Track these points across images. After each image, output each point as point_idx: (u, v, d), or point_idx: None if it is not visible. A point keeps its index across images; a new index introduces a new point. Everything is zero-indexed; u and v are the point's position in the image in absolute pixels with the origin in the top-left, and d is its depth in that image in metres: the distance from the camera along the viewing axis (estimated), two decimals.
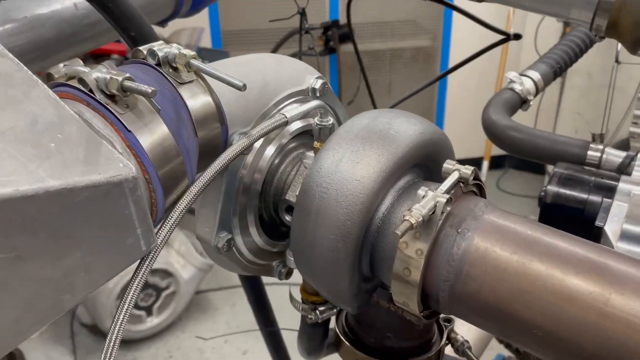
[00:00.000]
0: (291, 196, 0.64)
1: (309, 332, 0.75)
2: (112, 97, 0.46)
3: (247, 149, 0.56)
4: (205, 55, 3.24)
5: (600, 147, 1.06)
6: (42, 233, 0.38)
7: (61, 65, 0.47)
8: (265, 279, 0.94)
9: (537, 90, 1.31)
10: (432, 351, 0.68)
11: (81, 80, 0.46)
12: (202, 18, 3.63)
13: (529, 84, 1.29)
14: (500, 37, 1.26)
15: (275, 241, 0.70)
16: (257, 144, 0.62)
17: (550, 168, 1.27)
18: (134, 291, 0.45)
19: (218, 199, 0.61)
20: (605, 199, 0.90)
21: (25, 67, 0.42)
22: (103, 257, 0.43)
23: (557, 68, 1.34)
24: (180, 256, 2.94)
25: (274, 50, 3.29)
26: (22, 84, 0.41)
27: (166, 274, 2.88)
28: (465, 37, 3.78)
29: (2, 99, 0.40)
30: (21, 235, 0.37)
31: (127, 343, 2.92)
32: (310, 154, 0.64)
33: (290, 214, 0.65)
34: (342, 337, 0.69)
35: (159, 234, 0.47)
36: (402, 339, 0.65)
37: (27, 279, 0.39)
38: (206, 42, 3.75)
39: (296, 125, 0.66)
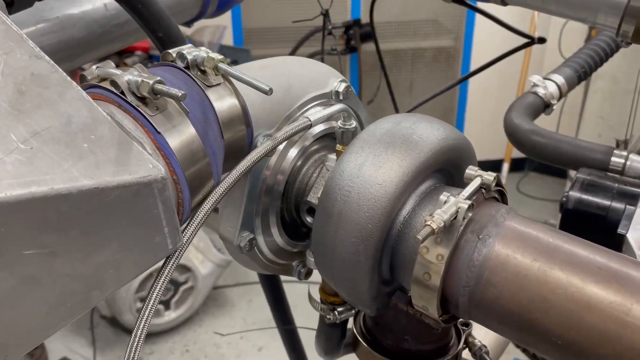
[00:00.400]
0: (313, 198, 0.65)
1: (326, 332, 0.76)
2: (142, 99, 0.47)
3: (271, 151, 0.57)
4: (227, 52, 3.27)
5: (624, 153, 1.05)
6: (74, 231, 0.40)
7: (94, 67, 0.49)
8: (283, 277, 0.95)
9: (561, 95, 1.29)
10: (449, 355, 0.68)
11: (113, 83, 0.47)
12: (224, 16, 3.64)
13: (552, 88, 1.28)
14: (524, 40, 1.25)
15: (295, 241, 0.70)
16: (281, 146, 0.63)
17: (572, 172, 1.25)
18: (160, 288, 0.46)
19: (242, 200, 0.62)
20: (628, 206, 0.90)
21: (60, 69, 0.43)
22: (131, 255, 0.44)
23: (582, 72, 1.33)
24: (199, 252, 2.97)
25: (295, 49, 3.30)
26: (57, 86, 0.43)
27: (185, 269, 2.92)
28: (487, 38, 3.75)
29: (38, 99, 0.41)
30: (55, 232, 0.39)
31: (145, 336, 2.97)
32: (333, 156, 0.65)
33: (311, 215, 0.66)
34: (359, 338, 0.69)
35: (184, 233, 0.48)
36: (419, 342, 0.66)
37: (59, 274, 0.40)
38: (228, 39, 3.78)
39: (319, 128, 0.67)
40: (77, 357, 2.81)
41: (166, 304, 2.95)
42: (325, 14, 2.55)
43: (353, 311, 0.73)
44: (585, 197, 0.94)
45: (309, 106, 0.65)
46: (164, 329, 3.02)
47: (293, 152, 0.65)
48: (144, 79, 0.46)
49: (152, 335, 2.99)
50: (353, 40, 3.79)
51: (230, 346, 3.00)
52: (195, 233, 0.49)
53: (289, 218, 0.69)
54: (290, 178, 0.66)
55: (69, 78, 0.43)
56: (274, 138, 0.57)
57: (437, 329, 0.64)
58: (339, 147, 0.63)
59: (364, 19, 3.85)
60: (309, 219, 0.67)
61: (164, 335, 3.03)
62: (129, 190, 0.41)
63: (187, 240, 0.48)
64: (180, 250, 0.48)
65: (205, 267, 2.98)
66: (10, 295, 0.38)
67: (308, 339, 0.84)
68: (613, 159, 1.04)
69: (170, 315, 2.99)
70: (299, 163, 0.66)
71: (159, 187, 0.43)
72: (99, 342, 2.98)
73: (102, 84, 0.48)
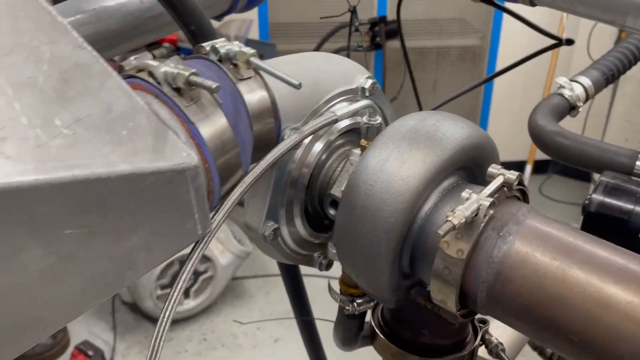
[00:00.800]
0: (336, 191, 0.66)
1: (345, 323, 0.77)
2: (178, 90, 0.49)
3: (297, 144, 0.58)
4: (253, 46, 3.28)
5: None
6: (111, 213, 0.42)
7: (132, 58, 0.51)
8: (303, 270, 0.97)
9: (587, 97, 1.28)
10: (465, 350, 0.69)
11: (151, 74, 0.49)
12: (251, 10, 3.68)
13: (579, 90, 1.26)
14: (551, 41, 1.24)
15: (318, 233, 0.72)
16: (306, 140, 0.65)
17: (596, 176, 1.24)
18: (189, 270, 0.48)
19: (267, 190, 0.63)
20: None
21: (102, 59, 0.46)
22: (163, 238, 0.46)
23: (610, 75, 1.31)
24: (219, 242, 3.01)
25: (320, 45, 3.31)
26: (99, 75, 0.45)
27: (205, 258, 2.96)
28: (514, 38, 3.71)
29: (81, 87, 0.43)
30: (93, 214, 0.41)
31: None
32: (357, 151, 0.66)
33: (334, 208, 0.68)
34: (377, 330, 0.71)
35: (213, 219, 0.50)
36: (436, 336, 0.67)
37: (96, 254, 0.42)
38: (254, 33, 3.81)
39: (344, 123, 0.68)
40: (98, 341, 2.87)
41: (186, 293, 3.00)
42: (353, 11, 2.55)
43: (372, 303, 0.74)
44: (608, 200, 0.94)
45: (336, 101, 0.67)
46: (183, 317, 3.07)
47: (318, 146, 0.66)
48: (180, 71, 0.48)
49: (171, 323, 3.04)
50: (378, 37, 3.79)
51: (247, 336, 3.03)
52: (224, 220, 0.50)
53: (312, 210, 0.70)
54: (315, 171, 0.67)
55: (109, 68, 0.45)
56: (300, 131, 0.58)
57: (455, 324, 0.65)
58: (363, 142, 0.64)
59: (390, 16, 3.84)
60: (331, 212, 0.68)
61: (182, 323, 3.09)
62: (163, 177, 0.43)
63: (216, 226, 0.50)
64: (209, 236, 0.50)
65: (225, 257, 3.02)
66: (50, 272, 0.40)
67: (325, 332, 0.85)
68: (638, 163, 1.03)
69: (190, 304, 3.03)
70: (323, 157, 0.67)
71: (192, 174, 0.45)
72: (120, 327, 3.05)
73: (140, 75, 0.50)
